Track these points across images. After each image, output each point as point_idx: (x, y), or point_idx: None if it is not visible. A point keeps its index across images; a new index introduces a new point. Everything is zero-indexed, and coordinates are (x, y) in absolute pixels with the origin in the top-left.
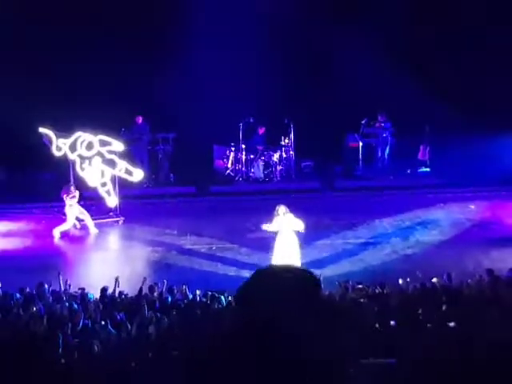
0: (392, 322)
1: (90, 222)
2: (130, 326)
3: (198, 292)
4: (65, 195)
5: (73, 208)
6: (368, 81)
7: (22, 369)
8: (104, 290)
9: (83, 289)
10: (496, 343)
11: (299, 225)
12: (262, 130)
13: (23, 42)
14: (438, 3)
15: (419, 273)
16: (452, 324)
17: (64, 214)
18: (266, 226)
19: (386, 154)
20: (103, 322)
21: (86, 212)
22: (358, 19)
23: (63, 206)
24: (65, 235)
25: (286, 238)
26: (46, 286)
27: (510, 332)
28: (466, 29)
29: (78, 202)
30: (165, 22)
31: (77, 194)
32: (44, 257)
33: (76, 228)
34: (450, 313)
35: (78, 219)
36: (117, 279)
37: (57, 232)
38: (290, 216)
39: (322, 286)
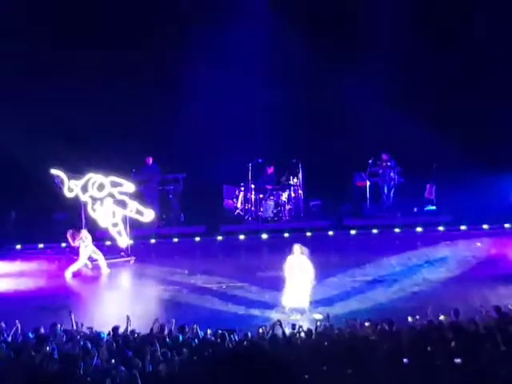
0: (405, 360)
1: (102, 261)
2: (141, 365)
3: (209, 331)
4: (75, 241)
5: (87, 248)
6: (375, 120)
7: None
8: (115, 329)
9: (91, 328)
10: (505, 379)
11: (307, 269)
12: (270, 170)
13: (36, 82)
14: (441, 41)
15: (429, 310)
16: (459, 360)
17: (77, 255)
18: (286, 267)
19: (392, 193)
20: (113, 361)
21: (99, 252)
22: (362, 59)
23: (76, 247)
24: (77, 275)
25: (295, 277)
26: (59, 325)
27: None
28: (472, 66)
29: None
30: (174, 63)
31: (84, 233)
32: (56, 297)
33: (88, 268)
34: (458, 349)
35: (91, 259)
36: (128, 318)
37: (69, 272)
38: (304, 258)
39: (331, 323)
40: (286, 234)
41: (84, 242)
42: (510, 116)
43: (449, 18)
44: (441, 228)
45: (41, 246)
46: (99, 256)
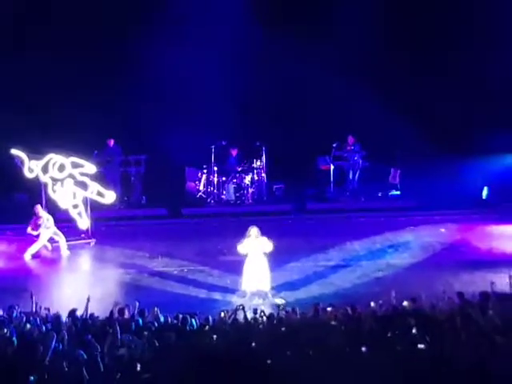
0: (363, 348)
1: (63, 243)
2: (100, 348)
3: (169, 315)
4: (38, 229)
5: (49, 230)
6: (339, 104)
7: None
8: (73, 311)
9: (49, 309)
10: (464, 365)
11: (268, 246)
12: (234, 152)
13: None
14: (409, 29)
15: (392, 295)
16: (422, 346)
17: (37, 236)
18: (239, 247)
19: (356, 177)
20: (72, 344)
21: (61, 234)
22: (329, 43)
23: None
24: (36, 257)
25: (256, 261)
26: (17, 308)
27: (479, 354)
28: (437, 54)
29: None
30: (137, 44)
31: (44, 215)
32: (15, 278)
33: (47, 250)
34: (420, 336)
35: (51, 240)
36: (87, 301)
37: (28, 254)
38: (262, 239)
39: (294, 308)
40: (248, 217)
41: (45, 224)
42: (476, 102)
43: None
44: (405, 213)
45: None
46: (60, 238)
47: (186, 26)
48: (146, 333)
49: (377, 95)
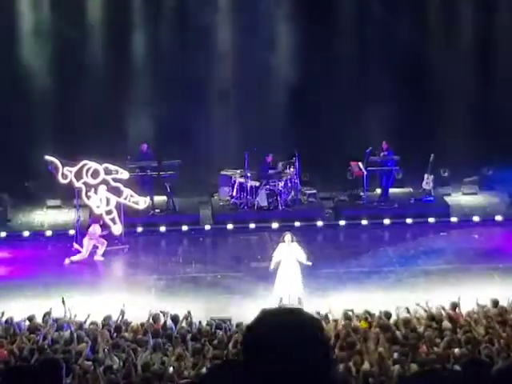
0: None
1: (101, 250)
2: (134, 355)
3: (202, 320)
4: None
5: (91, 241)
6: (373, 109)
7: None
8: (107, 318)
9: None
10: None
11: (303, 257)
12: (269, 158)
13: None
14: (441, 32)
15: (426, 302)
16: (457, 350)
17: (75, 243)
18: (272, 264)
19: (389, 183)
20: (107, 350)
21: (103, 241)
22: (359, 46)
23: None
24: (73, 262)
25: (289, 267)
26: (52, 313)
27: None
28: (473, 57)
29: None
30: (173, 48)
31: (92, 228)
32: (51, 284)
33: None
34: (454, 340)
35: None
36: (122, 313)
37: (69, 260)
38: (295, 245)
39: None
40: (281, 224)
41: (92, 238)
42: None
43: None
44: (438, 219)
45: (49, 233)
46: (101, 244)
47: (218, 31)
48: (179, 339)
49: (410, 100)
